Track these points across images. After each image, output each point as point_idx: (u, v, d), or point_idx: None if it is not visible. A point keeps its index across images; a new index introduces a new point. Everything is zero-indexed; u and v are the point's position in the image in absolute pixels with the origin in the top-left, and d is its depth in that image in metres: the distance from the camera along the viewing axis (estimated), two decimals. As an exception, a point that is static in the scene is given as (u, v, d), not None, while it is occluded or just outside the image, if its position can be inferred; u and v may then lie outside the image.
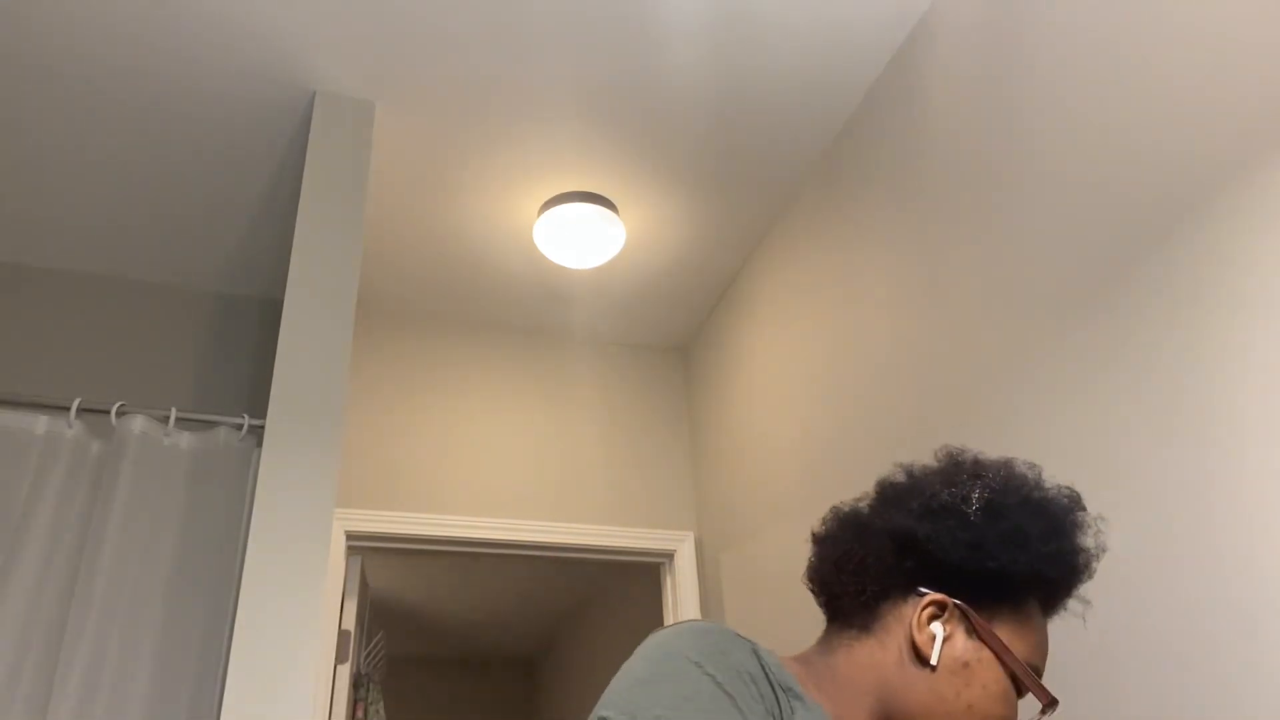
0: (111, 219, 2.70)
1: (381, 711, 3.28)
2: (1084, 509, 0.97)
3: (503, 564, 5.04)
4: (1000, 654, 0.88)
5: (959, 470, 0.96)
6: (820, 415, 2.42)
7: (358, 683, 2.98)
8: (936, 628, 0.89)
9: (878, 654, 0.91)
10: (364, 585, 2.93)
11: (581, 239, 2.70)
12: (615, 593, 5.22)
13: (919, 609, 0.90)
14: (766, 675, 0.82)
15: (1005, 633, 0.89)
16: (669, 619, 3.05)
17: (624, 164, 2.59)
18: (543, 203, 2.71)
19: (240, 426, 2.13)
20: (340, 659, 2.66)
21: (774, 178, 2.66)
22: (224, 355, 2.92)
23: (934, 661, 0.88)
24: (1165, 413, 1.37)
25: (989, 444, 1.75)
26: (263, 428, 1.96)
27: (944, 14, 2.09)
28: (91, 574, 1.87)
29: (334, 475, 1.92)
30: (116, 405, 2.06)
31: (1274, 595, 1.17)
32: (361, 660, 3.02)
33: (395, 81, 2.30)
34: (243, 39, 2.17)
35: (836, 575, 0.96)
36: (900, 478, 0.98)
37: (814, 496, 2.41)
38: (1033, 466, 0.97)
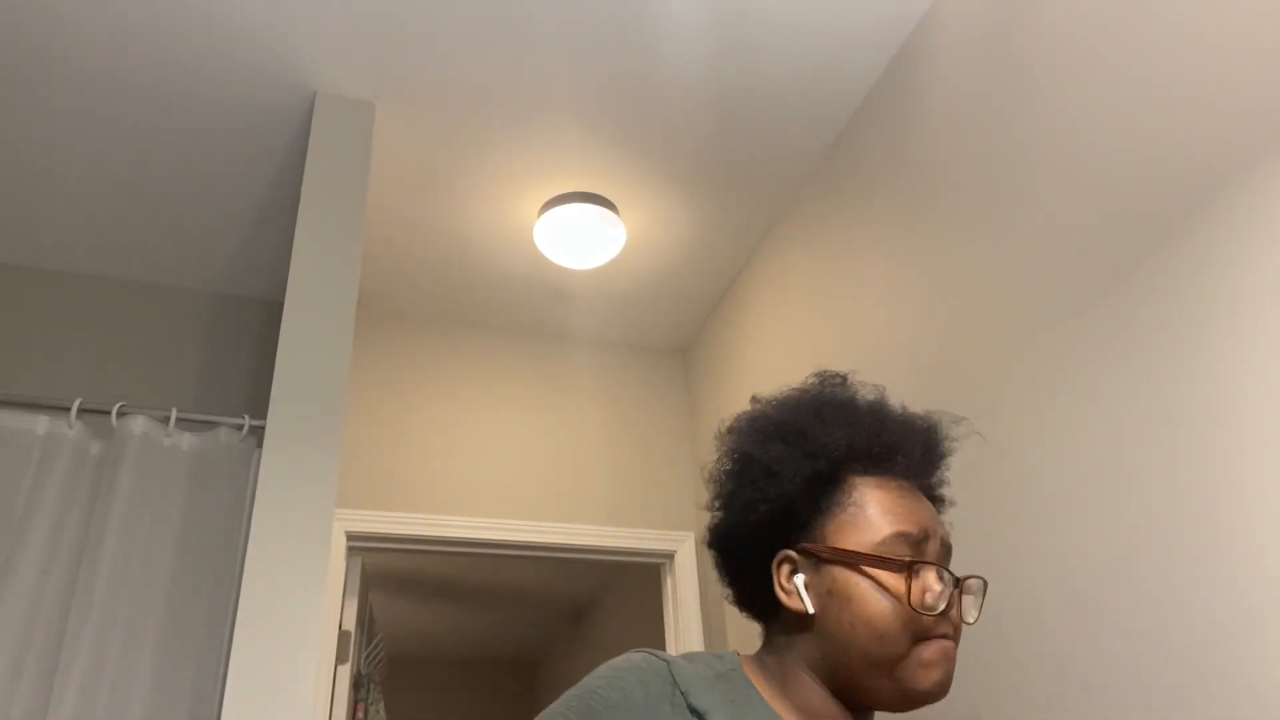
0: (112, 220, 2.70)
1: (382, 712, 3.28)
2: (817, 388, 1.01)
3: (503, 564, 5.04)
4: (841, 560, 0.90)
5: (714, 469, 1.03)
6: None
7: (358, 683, 2.98)
8: (798, 579, 0.92)
9: (782, 637, 0.94)
10: (364, 585, 2.94)
11: (582, 239, 2.70)
12: (616, 593, 5.22)
13: (776, 579, 0.93)
14: (674, 700, 0.85)
15: (842, 537, 0.91)
16: (669, 619, 3.05)
17: (624, 165, 2.59)
18: (543, 203, 2.71)
19: (241, 427, 2.13)
20: (340, 659, 2.66)
21: (774, 178, 2.66)
22: (224, 356, 2.93)
23: (811, 609, 0.90)
24: (1164, 409, 1.37)
25: (989, 442, 1.75)
26: (263, 428, 1.97)
27: (944, 15, 2.09)
28: (92, 574, 1.87)
29: (334, 476, 1.92)
30: (117, 406, 2.06)
31: (1277, 591, 1.17)
32: (362, 661, 3.02)
33: (396, 83, 2.30)
34: (243, 41, 2.17)
35: (734, 595, 1.02)
36: None
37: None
38: (756, 401, 1.02)
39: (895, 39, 2.23)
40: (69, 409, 2.05)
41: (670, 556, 3.11)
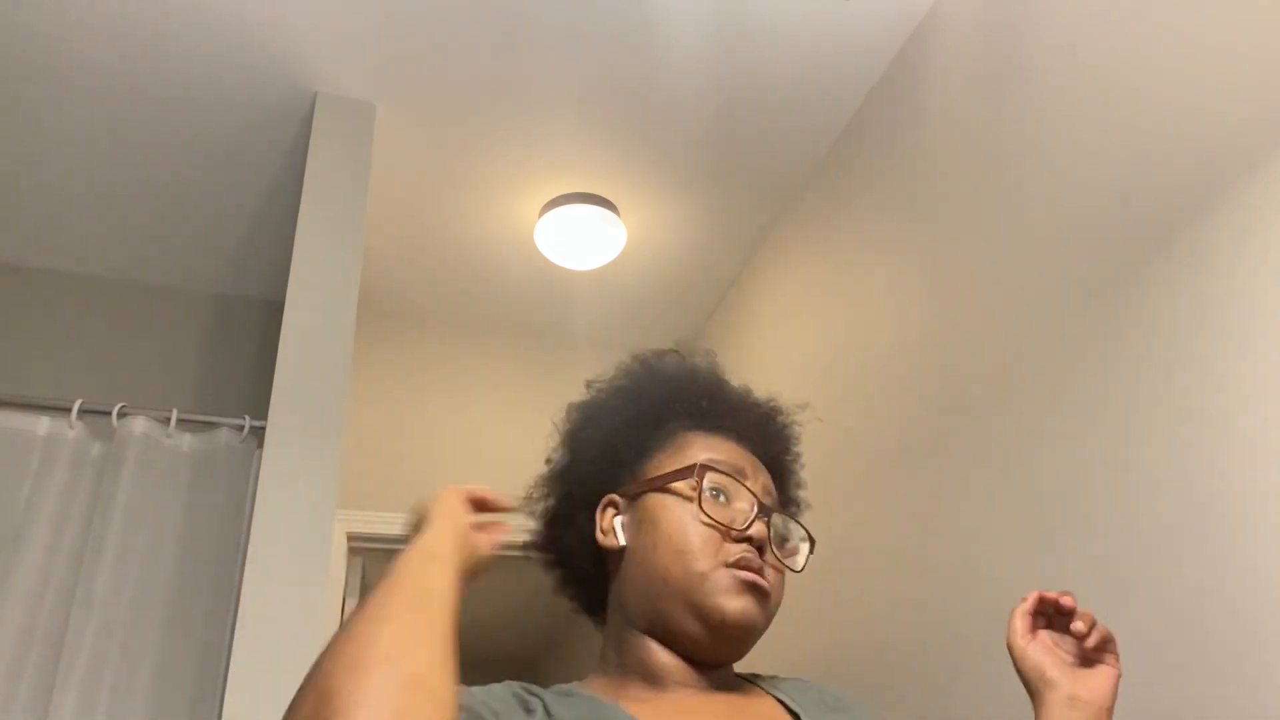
0: (113, 220, 2.70)
1: (382, 712, 3.27)
2: (622, 378, 1.09)
3: (504, 565, 5.04)
4: (648, 488, 0.91)
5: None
6: (822, 416, 2.42)
7: (358, 684, 2.97)
8: (616, 520, 0.94)
9: (611, 609, 0.95)
10: (365, 587, 2.93)
11: (582, 240, 2.70)
12: (616, 593, 5.22)
13: (598, 526, 0.95)
14: (530, 692, 0.85)
15: (654, 471, 0.94)
16: (670, 620, 3.05)
17: (625, 165, 2.59)
18: (543, 204, 2.71)
19: (241, 428, 2.13)
20: (341, 660, 2.66)
21: (776, 179, 2.66)
22: (225, 356, 2.92)
23: (623, 541, 0.91)
24: (1168, 408, 1.37)
25: (991, 443, 1.75)
26: (264, 429, 1.96)
27: (945, 15, 2.09)
28: (92, 575, 1.87)
29: (335, 476, 1.92)
30: (118, 406, 2.06)
31: (1275, 594, 1.17)
32: (362, 661, 3.01)
33: (396, 83, 2.30)
34: (244, 41, 2.17)
35: (564, 591, 1.04)
36: None
37: (815, 498, 2.40)
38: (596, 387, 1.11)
39: (896, 39, 2.23)
40: (69, 410, 2.05)
41: (671, 557, 3.10)
